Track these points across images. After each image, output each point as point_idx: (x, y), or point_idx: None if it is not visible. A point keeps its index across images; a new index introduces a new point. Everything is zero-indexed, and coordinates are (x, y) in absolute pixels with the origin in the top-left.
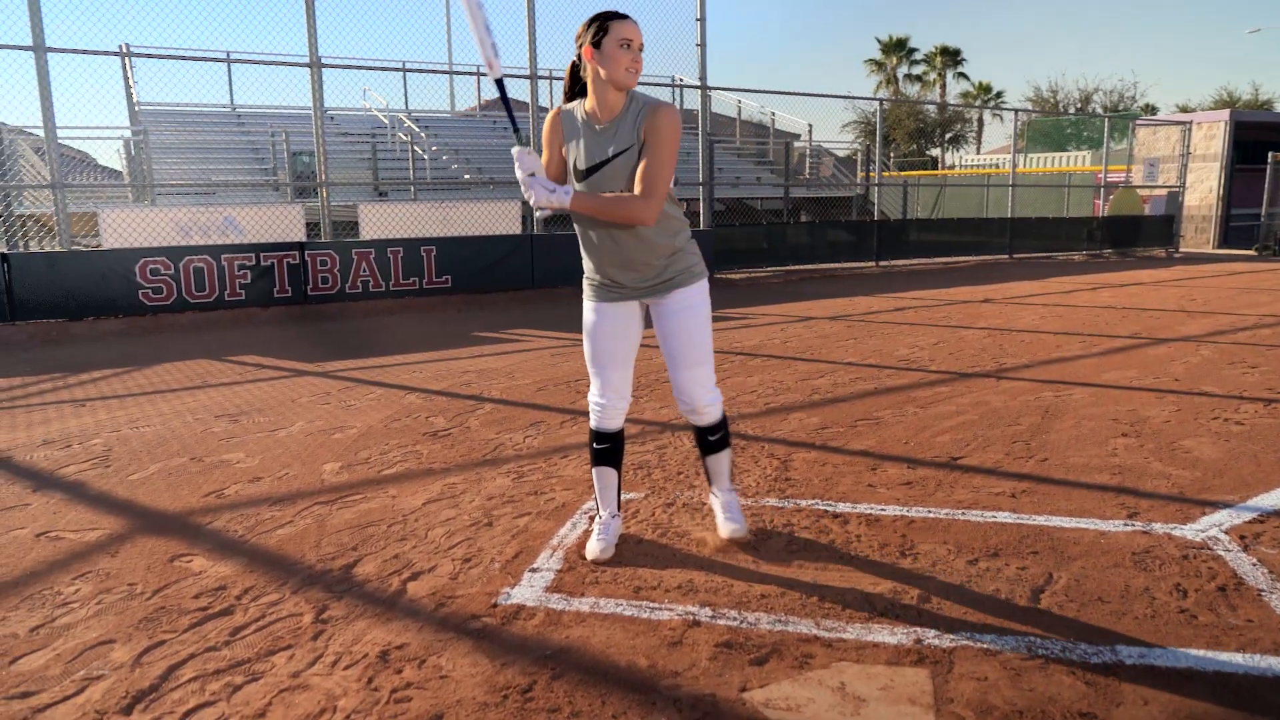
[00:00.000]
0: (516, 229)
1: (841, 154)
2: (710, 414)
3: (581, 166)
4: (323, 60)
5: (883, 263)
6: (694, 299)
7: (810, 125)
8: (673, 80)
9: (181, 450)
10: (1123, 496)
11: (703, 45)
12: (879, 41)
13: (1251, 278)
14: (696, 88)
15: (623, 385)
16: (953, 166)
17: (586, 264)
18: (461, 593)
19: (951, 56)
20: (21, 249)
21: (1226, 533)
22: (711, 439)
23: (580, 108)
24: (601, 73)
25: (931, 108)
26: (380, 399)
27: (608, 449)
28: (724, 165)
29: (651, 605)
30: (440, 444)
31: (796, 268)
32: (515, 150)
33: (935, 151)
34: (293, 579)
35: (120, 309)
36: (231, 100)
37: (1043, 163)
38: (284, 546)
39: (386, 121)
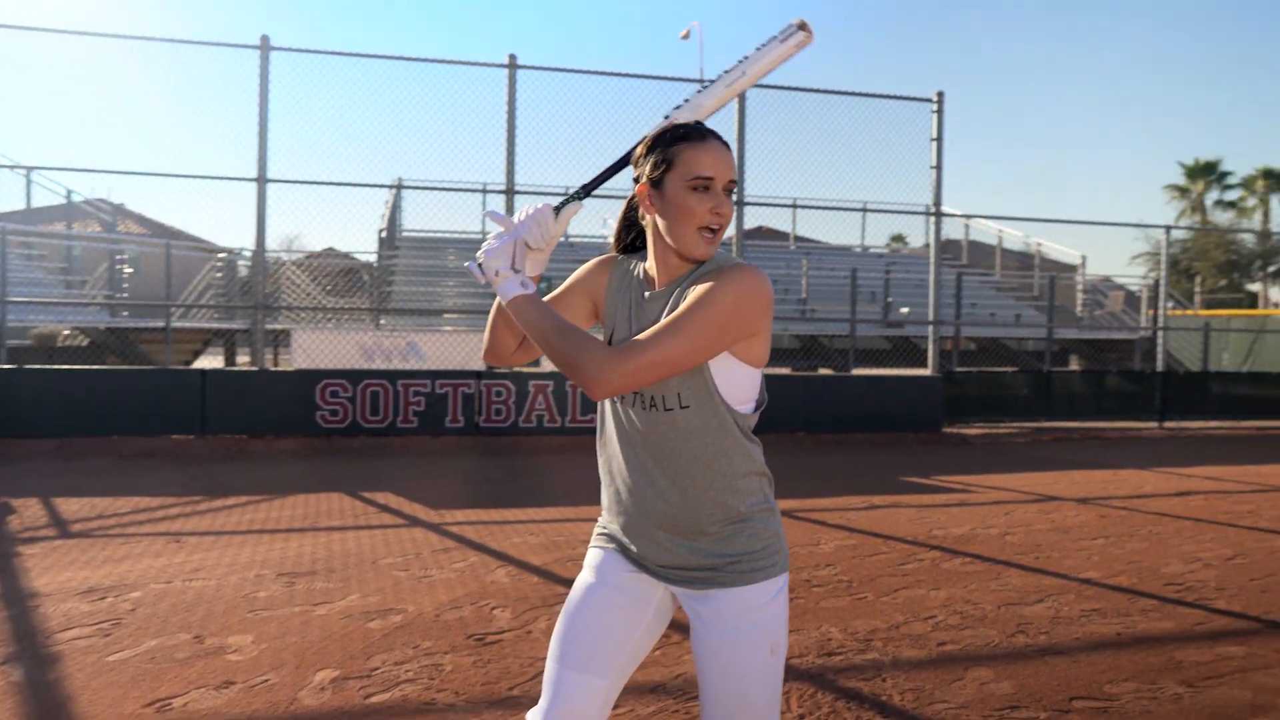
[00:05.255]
0: None
1: (1132, 289)
2: None
3: (619, 339)
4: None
5: (1169, 423)
6: (749, 613)
7: (1085, 257)
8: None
9: (196, 623)
10: None
11: (938, 168)
12: (1182, 166)
13: None
14: (925, 214)
15: (583, 708)
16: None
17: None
18: None
19: (1278, 180)
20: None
21: None
22: None
23: (639, 263)
24: (662, 227)
25: (1249, 236)
26: (466, 571)
27: None
28: (979, 300)
29: None
30: (475, 657)
31: (1052, 424)
32: (534, 207)
33: (1255, 287)
34: None
35: (297, 429)
36: (483, 228)
37: None
38: None
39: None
